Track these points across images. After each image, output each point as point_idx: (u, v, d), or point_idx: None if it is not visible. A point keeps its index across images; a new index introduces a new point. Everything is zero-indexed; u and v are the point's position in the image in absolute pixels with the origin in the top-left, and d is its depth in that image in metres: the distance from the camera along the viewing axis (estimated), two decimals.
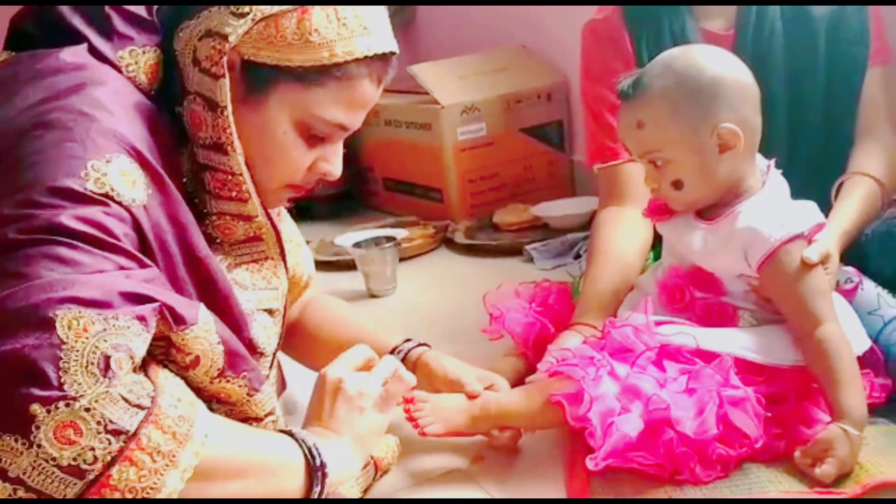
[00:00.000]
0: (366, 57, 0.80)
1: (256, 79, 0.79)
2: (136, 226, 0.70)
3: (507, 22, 2.25)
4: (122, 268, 0.66)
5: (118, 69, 0.78)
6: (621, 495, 0.88)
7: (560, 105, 2.14)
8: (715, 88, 0.93)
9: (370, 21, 0.80)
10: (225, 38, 0.76)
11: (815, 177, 1.15)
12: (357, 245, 1.69)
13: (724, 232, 0.96)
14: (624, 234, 1.18)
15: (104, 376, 0.61)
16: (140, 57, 0.80)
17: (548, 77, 2.14)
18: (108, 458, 0.60)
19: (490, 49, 2.21)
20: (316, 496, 0.76)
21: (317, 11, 0.77)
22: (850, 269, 1.03)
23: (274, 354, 0.91)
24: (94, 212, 0.67)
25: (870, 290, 1.05)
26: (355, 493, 0.86)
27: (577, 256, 1.67)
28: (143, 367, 0.67)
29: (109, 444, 0.60)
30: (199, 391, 0.72)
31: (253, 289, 0.85)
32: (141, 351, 0.65)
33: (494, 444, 0.98)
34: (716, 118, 0.93)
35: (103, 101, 0.72)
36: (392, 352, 1.03)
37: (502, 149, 2.07)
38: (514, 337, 1.16)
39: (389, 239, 1.70)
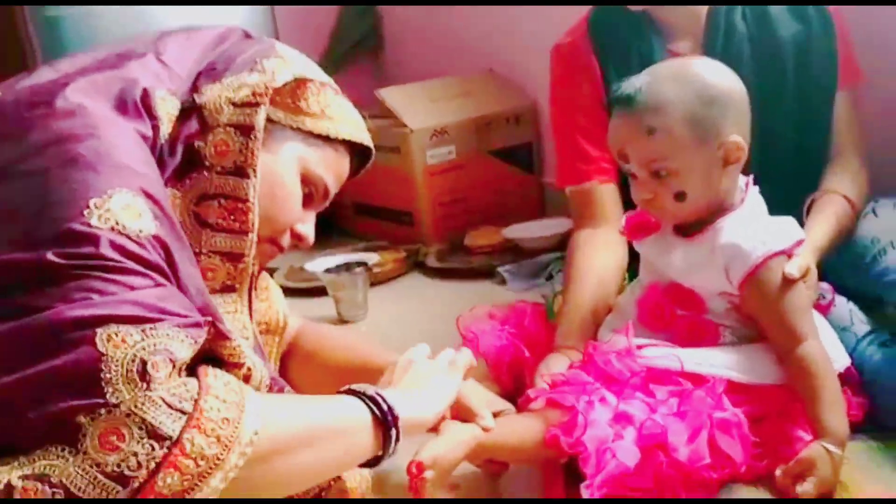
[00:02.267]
0: (354, 144, 0.91)
1: (274, 130, 0.86)
2: (145, 256, 0.69)
3: (475, 47, 2.26)
4: (132, 286, 0.66)
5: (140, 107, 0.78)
6: None
7: (529, 127, 2.15)
8: (726, 101, 0.93)
9: (362, 121, 0.93)
10: (271, 79, 0.83)
11: (785, 198, 1.15)
12: (327, 270, 1.67)
13: (706, 248, 0.95)
14: (600, 254, 1.18)
15: (142, 380, 0.62)
16: (168, 100, 0.81)
17: (516, 100, 2.15)
18: (153, 464, 0.61)
19: (458, 73, 2.21)
20: (394, 442, 0.76)
21: (330, 91, 0.89)
22: (824, 284, 1.03)
23: None
24: (93, 235, 0.66)
25: (842, 305, 1.06)
26: None
27: (550, 277, 1.66)
28: (193, 370, 0.67)
29: (153, 449, 0.61)
30: None
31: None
32: (183, 354, 0.65)
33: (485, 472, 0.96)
34: (725, 131, 0.93)
35: (104, 139, 0.72)
36: None
37: (472, 171, 2.08)
38: (489, 360, 1.14)
39: (360, 264, 1.69)
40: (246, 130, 0.81)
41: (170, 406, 0.62)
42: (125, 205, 0.68)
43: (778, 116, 1.21)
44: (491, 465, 0.96)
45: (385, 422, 0.76)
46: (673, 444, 0.86)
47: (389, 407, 0.76)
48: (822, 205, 1.13)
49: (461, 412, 0.93)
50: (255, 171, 0.81)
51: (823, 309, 1.02)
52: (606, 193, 1.23)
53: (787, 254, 0.93)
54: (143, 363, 0.62)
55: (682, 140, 0.92)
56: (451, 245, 1.98)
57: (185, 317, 0.67)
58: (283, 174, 0.85)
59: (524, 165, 2.15)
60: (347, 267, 1.67)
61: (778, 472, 0.87)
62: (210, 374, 0.67)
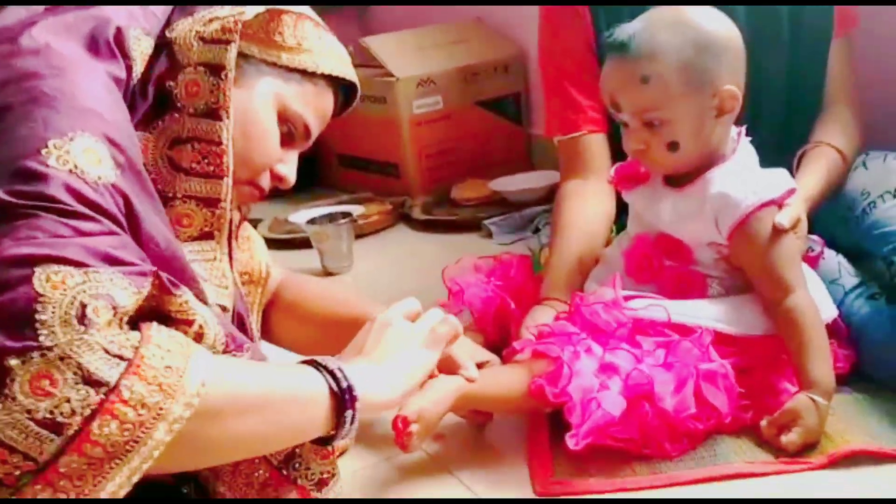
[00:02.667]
0: (338, 78, 0.86)
1: (248, 66, 0.82)
2: (101, 203, 0.66)
3: None
4: (82, 232, 0.63)
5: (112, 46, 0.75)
6: (585, 472, 0.87)
7: (517, 77, 2.11)
8: (722, 49, 0.91)
9: (346, 56, 0.89)
10: (241, 12, 0.79)
11: (777, 147, 1.14)
12: (311, 222, 1.65)
13: (695, 199, 0.94)
14: (588, 206, 1.16)
15: (80, 323, 0.58)
16: (142, 39, 0.78)
17: (505, 49, 2.11)
18: (88, 411, 0.57)
19: (445, 22, 2.16)
20: (349, 421, 0.71)
21: (308, 23, 0.84)
22: (814, 237, 1.03)
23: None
24: (49, 176, 0.63)
25: (831, 258, 1.05)
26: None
27: (537, 230, 1.65)
28: (135, 324, 0.64)
29: (88, 395, 0.57)
30: None
31: (209, 282, 0.81)
32: (126, 303, 0.61)
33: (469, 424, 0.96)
34: (720, 80, 0.91)
35: (57, 70, 0.69)
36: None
37: (459, 122, 2.04)
38: (474, 312, 1.14)
39: (345, 215, 1.66)
40: (216, 70, 0.78)
41: (107, 352, 0.59)
42: (86, 149, 0.65)
43: (771, 65, 1.18)
44: (475, 415, 0.96)
45: (342, 400, 0.71)
46: (659, 394, 0.86)
47: (349, 386, 0.72)
48: (812, 156, 1.12)
49: (445, 364, 0.91)
50: (227, 112, 0.78)
51: (812, 261, 1.02)
52: (595, 143, 1.21)
53: (778, 204, 0.92)
54: (83, 306, 0.59)
55: (676, 89, 0.90)
56: (438, 197, 1.96)
57: (133, 265, 0.64)
58: (259, 112, 0.82)
59: (512, 116, 2.12)
60: (332, 218, 1.65)
61: (763, 423, 0.88)
62: (154, 327, 0.64)
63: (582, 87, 1.22)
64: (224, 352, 0.70)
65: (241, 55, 0.80)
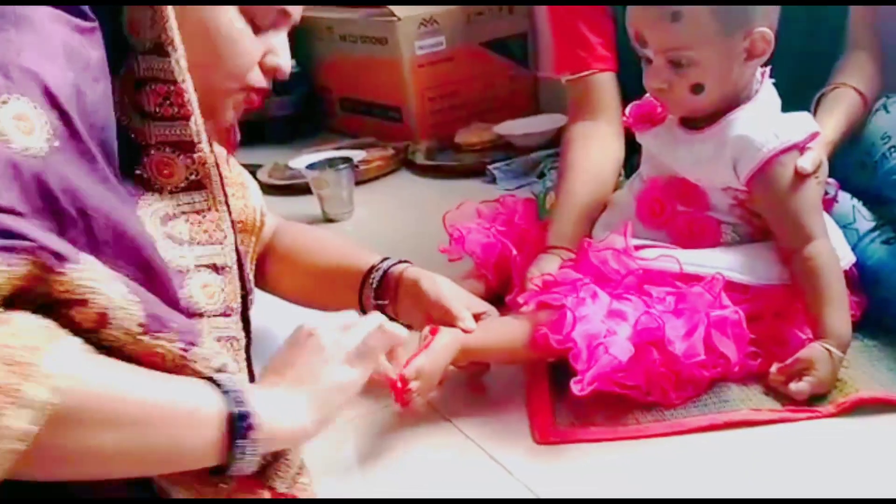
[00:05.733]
0: None
1: None
2: (22, 177, 0.59)
3: None
4: (6, 208, 0.56)
5: None
6: (587, 421, 0.86)
7: (523, 17, 2.05)
8: None
9: None
10: None
11: (795, 88, 1.10)
12: (311, 167, 1.62)
13: (714, 141, 0.91)
14: (597, 149, 1.13)
15: None
16: None
17: None
18: None
19: None
20: (242, 452, 0.62)
21: None
22: (829, 179, 0.99)
23: (242, 315, 0.79)
24: None
25: (845, 202, 1.02)
26: None
27: (542, 175, 1.61)
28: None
29: None
30: (125, 358, 0.61)
31: (191, 243, 0.76)
32: None
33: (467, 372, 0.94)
34: (753, 22, 0.87)
35: (8, 26, 0.62)
36: (371, 270, 0.96)
37: (463, 64, 1.99)
38: (475, 258, 1.12)
39: (345, 160, 1.63)
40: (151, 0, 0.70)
41: None
42: (19, 114, 0.59)
43: (789, 4, 1.13)
44: (472, 366, 0.94)
45: (236, 427, 0.61)
46: (669, 339, 0.84)
47: (246, 413, 0.62)
48: (832, 98, 1.08)
49: (441, 315, 0.89)
50: (172, 45, 0.71)
51: (827, 204, 0.98)
52: (605, 83, 1.16)
53: (800, 148, 0.88)
54: None
55: (709, 28, 0.86)
56: (441, 142, 1.91)
57: (9, 237, 0.55)
58: (219, 21, 0.75)
59: (518, 58, 2.06)
60: (332, 164, 1.61)
61: (773, 370, 0.86)
62: (19, 312, 0.55)
63: (591, 24, 1.18)
64: (143, 333, 0.61)
65: None
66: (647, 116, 0.98)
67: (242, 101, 0.80)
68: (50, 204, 0.61)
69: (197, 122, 0.74)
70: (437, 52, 1.95)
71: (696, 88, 0.89)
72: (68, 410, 0.54)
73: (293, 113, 2.16)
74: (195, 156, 0.74)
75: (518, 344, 0.89)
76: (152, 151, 0.74)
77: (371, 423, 0.90)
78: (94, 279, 0.59)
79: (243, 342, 0.79)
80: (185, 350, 0.63)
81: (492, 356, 0.92)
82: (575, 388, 0.82)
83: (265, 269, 1.03)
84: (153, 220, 0.74)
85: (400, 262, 0.98)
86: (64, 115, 0.62)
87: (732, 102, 0.91)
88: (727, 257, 0.91)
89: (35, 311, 0.57)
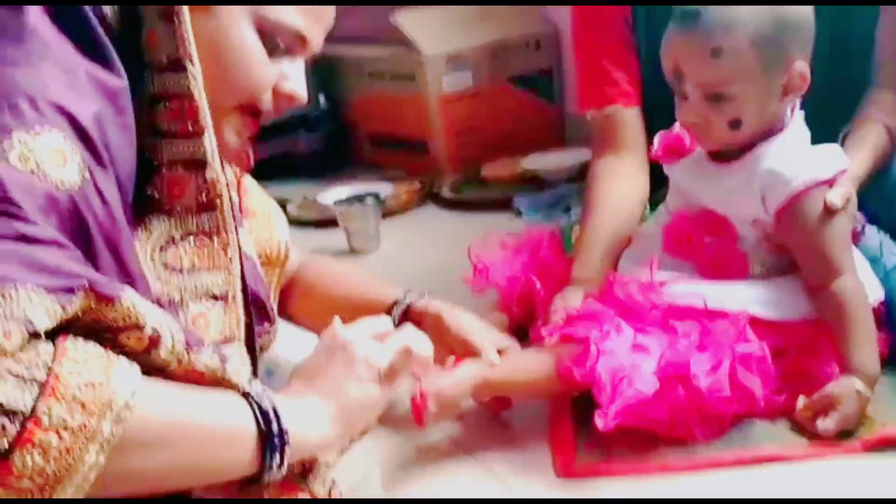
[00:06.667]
0: None
1: None
2: (59, 209, 0.62)
3: None
4: (26, 237, 0.58)
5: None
6: (610, 456, 0.85)
7: (550, 53, 2.06)
8: (798, 24, 0.87)
9: None
10: None
11: (820, 122, 1.09)
12: (339, 202, 1.66)
13: (743, 174, 0.91)
14: (622, 183, 1.13)
15: None
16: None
17: (537, 24, 2.06)
18: (5, 443, 0.53)
19: None
20: (275, 467, 0.65)
21: None
22: (857, 213, 0.98)
23: (247, 343, 0.80)
24: (6, 173, 0.58)
25: (872, 235, 1.01)
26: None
27: (568, 209, 1.61)
28: (53, 339, 0.58)
29: (4, 428, 0.53)
30: (166, 378, 0.64)
31: (191, 270, 0.75)
32: (44, 322, 0.56)
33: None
34: (792, 57, 0.87)
35: (36, 61, 0.64)
36: (393, 304, 0.96)
37: (489, 99, 2.00)
38: (499, 290, 1.12)
39: (372, 195, 1.66)
40: (168, 16, 0.71)
41: (18, 377, 0.53)
42: (53, 148, 0.61)
43: (816, 36, 1.13)
44: (496, 402, 0.93)
45: (269, 443, 0.65)
46: (694, 373, 0.83)
47: (282, 430, 0.65)
48: (859, 133, 1.07)
49: (464, 349, 0.89)
50: (191, 59, 0.71)
51: (853, 238, 0.97)
52: (630, 118, 1.17)
53: (830, 183, 0.88)
54: None
55: (749, 65, 0.86)
56: (467, 176, 1.93)
57: (64, 277, 0.57)
58: (230, 35, 0.74)
59: (544, 93, 2.07)
60: (359, 198, 1.64)
61: (800, 404, 0.84)
62: (69, 339, 0.58)
63: (616, 60, 1.19)
64: (186, 351, 0.64)
65: None
66: (674, 148, 0.98)
67: (242, 125, 0.80)
68: (83, 234, 0.63)
69: (211, 140, 0.74)
70: (464, 88, 1.97)
71: (734, 124, 0.89)
72: (131, 437, 0.57)
73: (322, 148, 2.19)
74: (207, 175, 0.74)
75: (541, 377, 0.88)
76: (164, 171, 0.74)
77: (394, 456, 0.90)
78: (142, 304, 0.61)
79: (249, 370, 0.78)
80: (223, 363, 0.66)
81: (515, 390, 0.92)
82: (599, 422, 0.81)
83: (289, 301, 1.03)
84: (153, 248, 0.74)
85: (423, 296, 0.98)
86: (92, 147, 0.64)
87: (762, 135, 0.91)
88: (753, 292, 0.90)
89: (85, 336, 0.59)
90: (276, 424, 0.65)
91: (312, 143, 2.16)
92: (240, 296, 0.79)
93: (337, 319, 0.80)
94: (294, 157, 2.11)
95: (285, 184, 1.96)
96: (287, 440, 0.65)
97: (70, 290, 0.57)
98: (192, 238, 0.75)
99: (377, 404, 0.75)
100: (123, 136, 0.69)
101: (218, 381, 0.66)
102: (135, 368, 0.60)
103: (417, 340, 0.79)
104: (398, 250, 1.59)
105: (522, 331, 1.06)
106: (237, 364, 0.69)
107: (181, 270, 0.75)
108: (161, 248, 0.75)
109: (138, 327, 0.61)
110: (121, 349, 0.61)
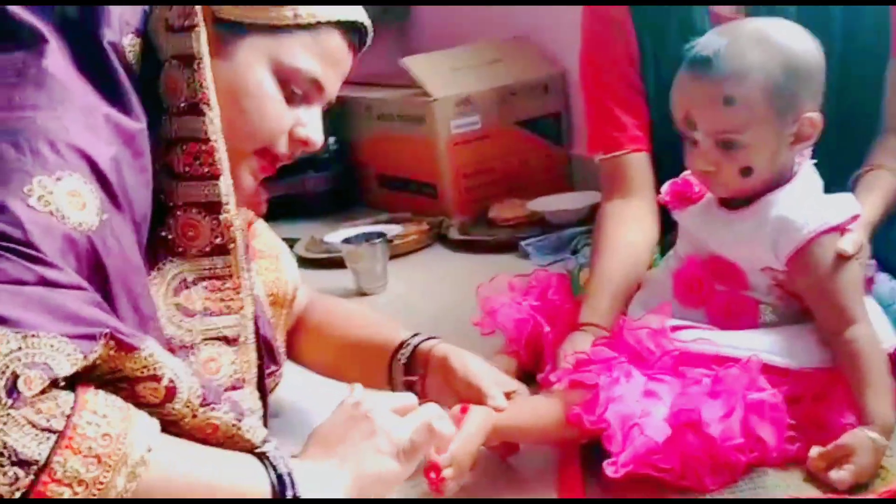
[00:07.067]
0: (330, 21, 0.79)
1: (225, 32, 0.75)
2: (77, 251, 0.62)
3: (503, 12, 2.19)
4: (47, 281, 0.58)
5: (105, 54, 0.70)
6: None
7: (557, 97, 2.08)
8: (809, 73, 0.88)
9: None
10: None
11: (828, 170, 1.09)
12: (346, 241, 1.65)
13: (753, 221, 0.90)
14: (631, 227, 1.12)
15: (8, 397, 0.53)
16: (134, 41, 0.74)
17: (544, 68, 2.08)
18: (17, 494, 0.52)
19: (484, 40, 2.15)
20: None
21: None
22: (868, 260, 0.97)
23: (258, 386, 0.81)
24: (26, 216, 0.59)
25: (884, 282, 1.00)
26: None
27: (576, 251, 1.61)
28: (72, 387, 0.58)
29: (17, 479, 0.52)
30: (180, 431, 0.64)
31: (203, 314, 0.76)
32: (64, 370, 0.55)
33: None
34: (803, 106, 0.87)
35: (56, 105, 0.65)
36: (400, 346, 0.96)
37: (498, 142, 2.02)
38: (506, 333, 1.11)
39: (380, 235, 1.65)
40: (188, 60, 0.72)
41: (35, 426, 0.53)
42: (72, 191, 0.62)
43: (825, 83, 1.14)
44: (502, 447, 0.92)
45: None
46: (706, 421, 0.81)
47: (295, 496, 0.65)
48: (869, 180, 1.07)
49: (470, 393, 0.88)
50: (208, 104, 0.72)
51: (866, 285, 0.96)
52: (638, 163, 1.17)
53: (841, 230, 0.87)
54: (15, 377, 0.52)
55: (762, 113, 0.86)
56: (475, 218, 1.93)
57: (85, 325, 0.57)
58: (248, 80, 0.76)
59: (552, 136, 2.08)
60: (367, 238, 1.64)
61: (813, 453, 0.82)
62: (90, 391, 0.57)
63: (625, 105, 1.19)
64: (201, 405, 0.64)
65: (219, 21, 0.74)
66: (683, 195, 0.98)
67: (259, 168, 0.81)
68: (100, 276, 0.63)
69: (227, 183, 0.74)
70: (472, 131, 1.98)
71: (745, 171, 0.88)
72: (145, 493, 0.57)
73: (331, 188, 2.21)
74: (221, 217, 0.74)
75: (550, 423, 0.87)
76: (179, 213, 0.74)
77: None
78: (161, 353, 0.61)
79: (260, 413, 0.80)
80: (238, 420, 0.66)
81: (522, 436, 0.90)
82: (608, 470, 0.80)
83: (295, 341, 1.03)
84: (166, 290, 0.74)
85: (430, 338, 0.97)
86: (109, 190, 0.65)
87: (773, 183, 0.91)
88: (766, 339, 0.89)
89: (99, 385, 0.59)
90: (290, 490, 0.65)
91: (321, 184, 2.18)
92: (252, 338, 0.79)
93: (359, 386, 0.79)
94: (302, 198, 2.13)
95: (293, 223, 1.98)
96: None
97: (92, 338, 0.57)
98: (205, 281, 0.76)
99: (394, 480, 0.73)
100: (140, 178, 0.70)
101: (232, 437, 0.66)
102: (154, 424, 0.60)
103: (439, 417, 0.78)
104: (406, 291, 1.59)
105: (530, 376, 1.04)
106: (254, 422, 0.69)
107: (194, 313, 0.75)
108: (174, 291, 0.75)
109: (156, 378, 0.60)
110: (136, 400, 0.61)
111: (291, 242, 1.80)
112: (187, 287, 0.76)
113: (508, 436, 0.89)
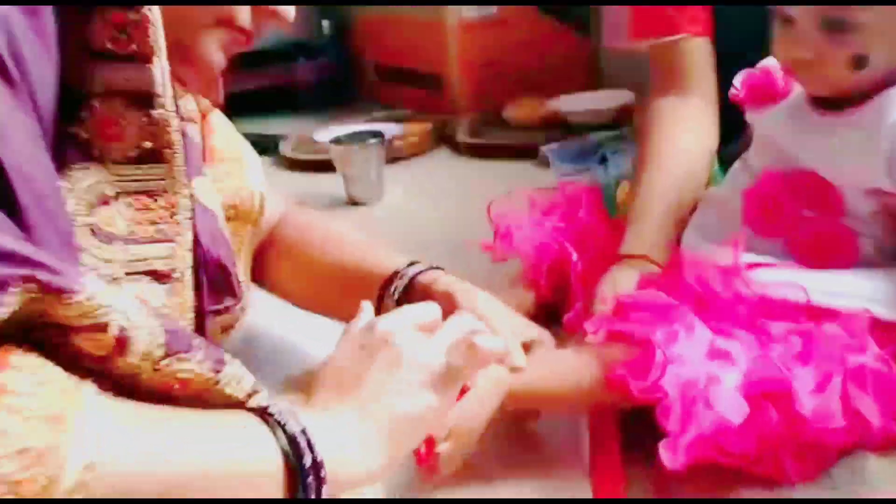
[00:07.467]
0: None
1: None
2: None
3: None
4: None
5: None
6: (669, 494, 0.68)
7: None
8: None
9: None
10: None
11: None
12: (336, 141, 1.52)
13: (862, 128, 0.75)
14: (687, 131, 0.97)
15: None
16: None
17: None
18: None
19: None
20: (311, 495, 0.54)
21: None
22: None
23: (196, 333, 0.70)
24: None
25: None
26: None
27: (604, 160, 1.49)
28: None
29: None
30: (144, 391, 0.53)
31: (126, 240, 0.64)
32: None
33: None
34: None
35: None
36: (394, 276, 0.84)
37: (516, 29, 1.92)
38: (525, 260, 0.97)
39: (375, 135, 1.53)
40: None
41: None
42: None
43: None
44: (520, 413, 0.77)
45: (302, 480, 0.54)
46: (797, 394, 0.66)
47: (316, 461, 0.54)
48: None
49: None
50: None
51: None
52: (698, 50, 1.01)
53: None
54: None
55: None
56: (487, 117, 1.84)
57: None
58: None
59: (578, 24, 1.98)
60: (361, 138, 1.51)
61: None
62: (14, 356, 0.47)
63: None
64: (165, 357, 0.53)
65: None
66: (764, 90, 0.84)
67: (231, 40, 0.68)
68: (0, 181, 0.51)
69: (162, 68, 0.61)
70: (486, 16, 1.89)
71: (859, 62, 0.74)
72: (103, 492, 0.47)
73: (323, 80, 2.15)
74: (154, 113, 0.62)
75: (583, 387, 0.72)
76: (95, 103, 0.61)
77: (396, 483, 0.72)
78: (107, 295, 0.52)
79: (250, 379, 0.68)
80: (216, 371, 0.56)
81: (545, 402, 0.76)
82: (665, 457, 0.64)
83: (265, 264, 0.93)
84: (76, 206, 0.61)
85: (431, 268, 0.84)
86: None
87: (889, 77, 0.75)
88: (871, 285, 0.74)
89: (21, 339, 0.49)
90: (308, 455, 0.54)
91: (312, 74, 2.14)
92: (189, 274, 0.68)
93: (367, 305, 0.67)
94: (291, 89, 2.09)
95: (279, 118, 1.95)
96: (324, 477, 0.54)
97: (3, 285, 0.47)
98: (129, 196, 0.64)
99: (432, 417, 0.61)
100: (38, 47, 0.57)
101: (204, 392, 0.56)
102: (104, 405, 0.49)
103: (478, 330, 0.65)
104: (404, 202, 1.50)
105: (553, 314, 0.91)
106: (237, 369, 0.58)
107: (113, 238, 0.63)
108: (88, 207, 0.63)
109: (100, 328, 0.51)
110: (74, 354, 0.51)
111: (276, 140, 1.79)
112: (105, 203, 0.63)
113: (528, 401, 0.75)
